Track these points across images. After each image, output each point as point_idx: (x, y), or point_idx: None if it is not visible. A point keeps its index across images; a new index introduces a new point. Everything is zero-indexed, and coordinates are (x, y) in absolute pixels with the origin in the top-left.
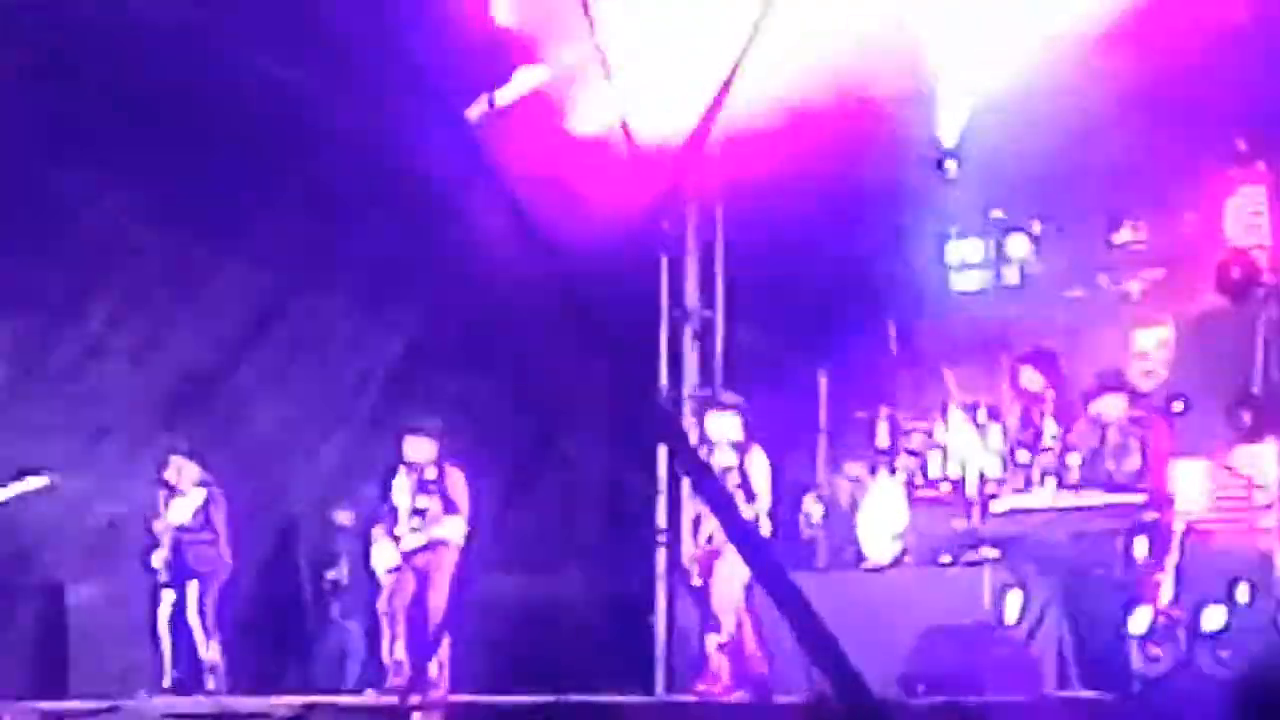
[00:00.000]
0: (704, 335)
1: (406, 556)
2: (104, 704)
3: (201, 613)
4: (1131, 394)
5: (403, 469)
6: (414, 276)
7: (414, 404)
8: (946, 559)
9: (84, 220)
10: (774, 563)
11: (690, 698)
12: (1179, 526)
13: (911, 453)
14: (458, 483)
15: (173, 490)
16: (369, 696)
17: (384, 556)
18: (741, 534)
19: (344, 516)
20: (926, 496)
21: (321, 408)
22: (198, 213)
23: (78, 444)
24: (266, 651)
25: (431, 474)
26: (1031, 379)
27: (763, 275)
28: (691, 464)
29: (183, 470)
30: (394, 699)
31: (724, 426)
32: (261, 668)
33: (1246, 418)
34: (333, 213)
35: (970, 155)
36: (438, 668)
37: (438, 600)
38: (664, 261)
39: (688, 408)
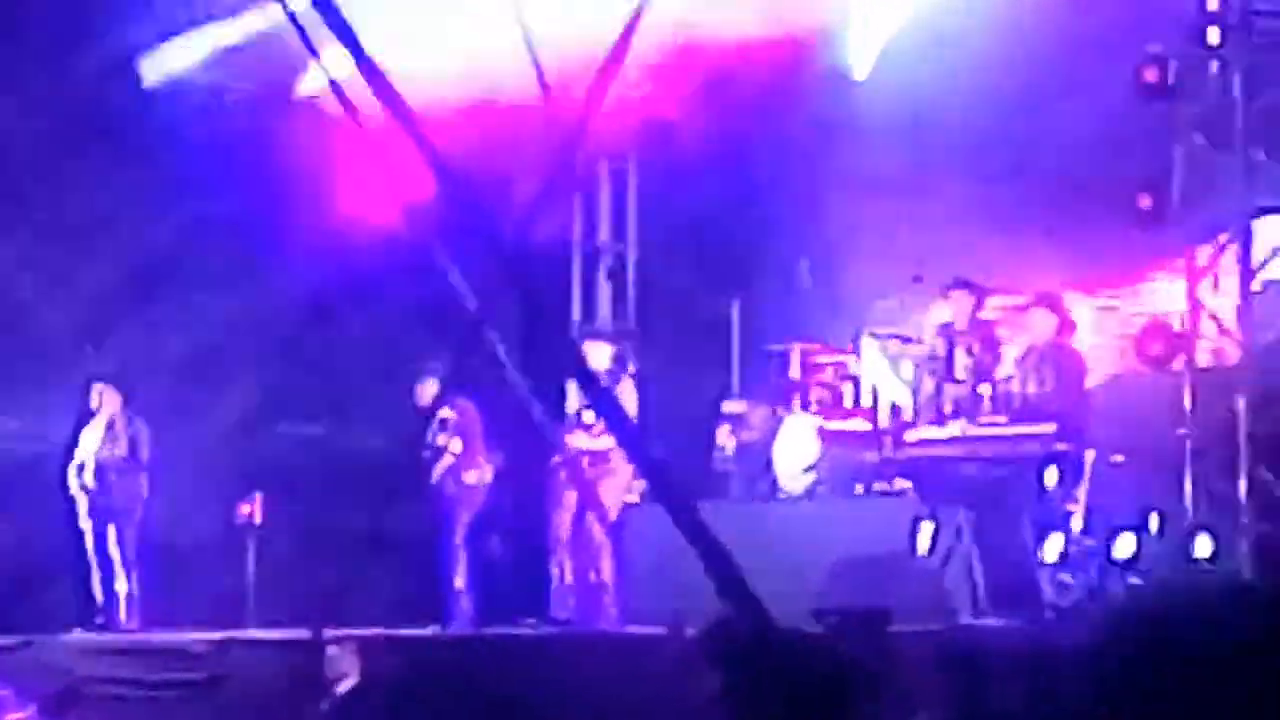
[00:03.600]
0: (617, 270)
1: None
2: (18, 639)
3: (121, 545)
4: (1062, 319)
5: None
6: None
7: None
8: (860, 490)
9: None
10: (676, 490)
11: (592, 631)
12: (1090, 456)
13: (824, 385)
14: (473, 420)
15: (94, 418)
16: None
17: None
18: (643, 462)
19: None
20: (839, 429)
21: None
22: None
23: None
24: (183, 586)
25: (447, 413)
26: (953, 309)
27: (675, 210)
28: (596, 395)
29: (104, 397)
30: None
31: (596, 357)
32: (179, 602)
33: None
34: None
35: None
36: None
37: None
38: (577, 198)
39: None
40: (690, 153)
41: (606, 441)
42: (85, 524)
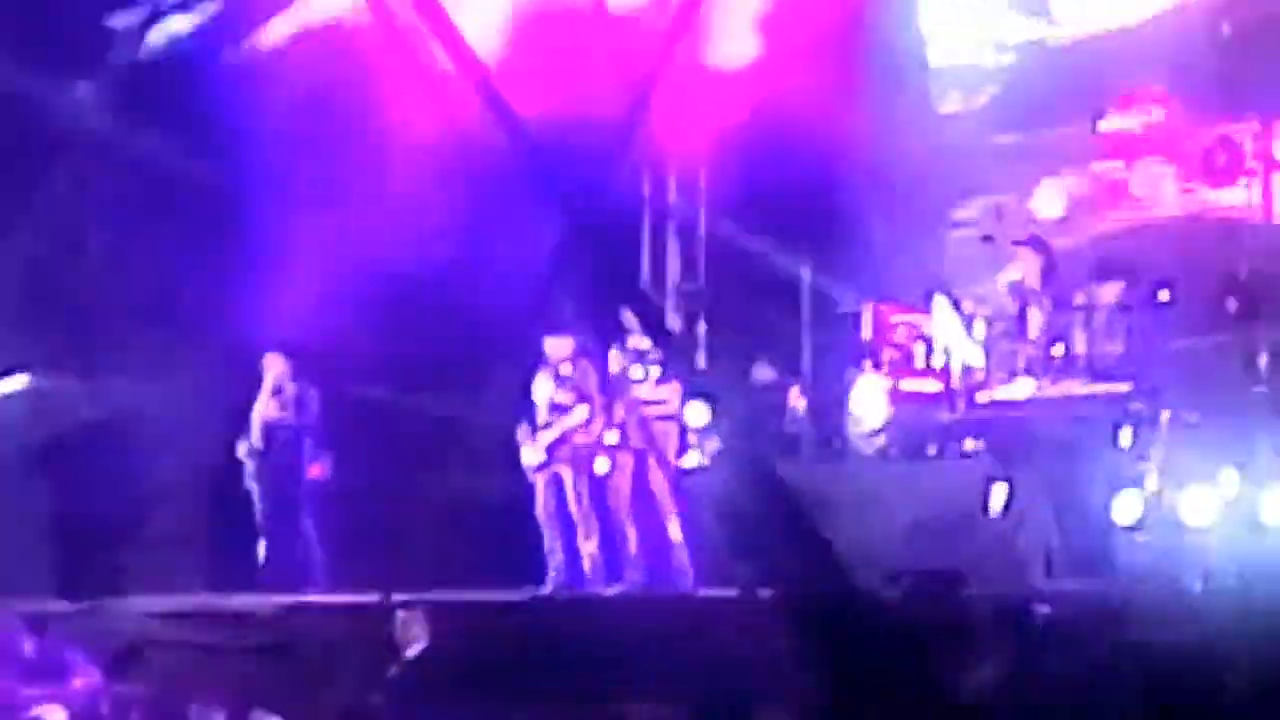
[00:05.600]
0: (687, 229)
1: (550, 452)
2: (86, 603)
3: (285, 507)
4: (1129, 279)
5: (542, 368)
6: None
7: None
8: (932, 451)
9: None
10: (745, 449)
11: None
12: (1165, 415)
13: (895, 345)
14: (590, 376)
15: (262, 383)
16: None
17: (530, 456)
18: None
19: None
20: (911, 389)
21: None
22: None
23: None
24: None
25: (567, 370)
26: (1024, 267)
27: (746, 170)
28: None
29: (270, 361)
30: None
31: None
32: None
33: (1232, 305)
34: None
35: None
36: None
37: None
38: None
39: (670, 302)
40: (761, 110)
41: (665, 392)
42: (252, 486)
